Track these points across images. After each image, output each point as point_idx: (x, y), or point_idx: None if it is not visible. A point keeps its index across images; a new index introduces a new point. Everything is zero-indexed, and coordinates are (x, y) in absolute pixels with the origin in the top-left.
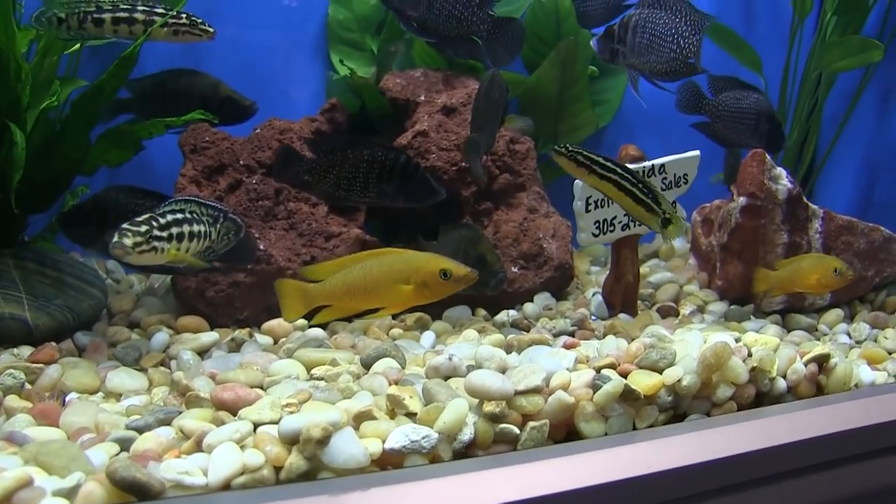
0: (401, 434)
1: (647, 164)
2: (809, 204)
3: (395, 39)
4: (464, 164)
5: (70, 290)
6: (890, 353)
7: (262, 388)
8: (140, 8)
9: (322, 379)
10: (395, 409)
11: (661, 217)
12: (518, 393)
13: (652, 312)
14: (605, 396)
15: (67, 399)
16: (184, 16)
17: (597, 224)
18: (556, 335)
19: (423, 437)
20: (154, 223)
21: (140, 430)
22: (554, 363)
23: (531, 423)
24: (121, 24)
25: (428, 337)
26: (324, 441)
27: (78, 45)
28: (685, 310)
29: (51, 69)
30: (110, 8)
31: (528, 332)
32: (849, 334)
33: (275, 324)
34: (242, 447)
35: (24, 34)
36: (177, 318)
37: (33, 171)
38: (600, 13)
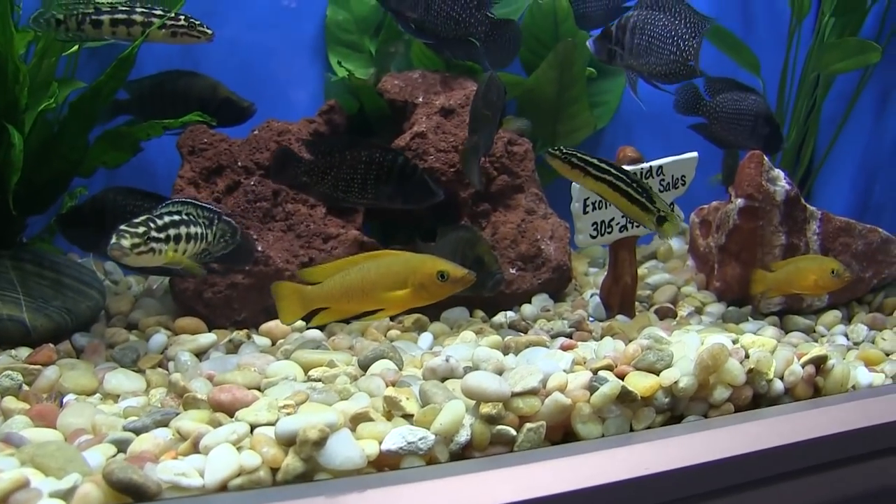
0: (397, 435)
1: (645, 165)
2: (807, 205)
3: (393, 41)
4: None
5: (68, 291)
6: (887, 355)
7: (259, 389)
8: (138, 9)
9: (319, 380)
10: (392, 410)
11: (656, 215)
12: (515, 394)
13: (650, 314)
14: (602, 398)
15: (65, 400)
16: (182, 17)
17: (595, 226)
18: (554, 337)
19: (420, 439)
20: (152, 224)
21: (137, 432)
22: (551, 365)
23: (528, 425)
24: (119, 25)
25: (426, 338)
26: (320, 442)
27: (76, 47)
28: (683, 311)
29: (49, 71)
30: (109, 9)
31: (525, 333)
32: (846, 336)
33: (273, 325)
34: (239, 449)
35: (23, 35)
36: (175, 320)
37: (31, 173)
38: (599, 15)
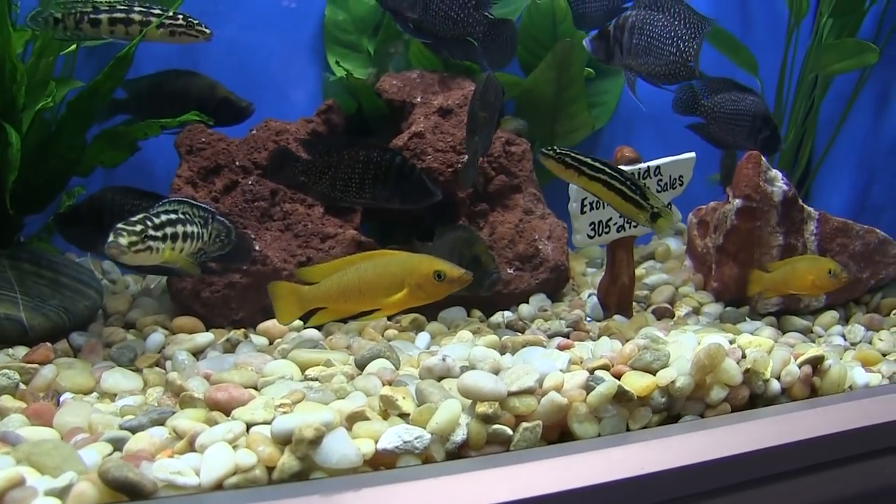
0: (393, 434)
1: (643, 165)
2: (805, 206)
3: (391, 41)
4: (460, 165)
5: (66, 290)
6: (884, 355)
7: (256, 388)
8: (137, 8)
9: (316, 379)
10: (388, 409)
11: (650, 212)
12: (511, 394)
13: (647, 314)
14: (599, 397)
15: (62, 399)
16: (180, 16)
17: (592, 226)
18: (551, 336)
19: (416, 438)
20: (149, 223)
21: (133, 430)
22: (547, 364)
23: (524, 424)
24: (117, 24)
25: (423, 338)
26: (316, 441)
27: (74, 46)
28: (681, 311)
29: (47, 70)
30: (107, 8)
31: (522, 333)
32: (844, 336)
33: (270, 324)
34: (235, 447)
35: (20, 34)
36: (172, 319)
37: (29, 172)
38: (598, 15)
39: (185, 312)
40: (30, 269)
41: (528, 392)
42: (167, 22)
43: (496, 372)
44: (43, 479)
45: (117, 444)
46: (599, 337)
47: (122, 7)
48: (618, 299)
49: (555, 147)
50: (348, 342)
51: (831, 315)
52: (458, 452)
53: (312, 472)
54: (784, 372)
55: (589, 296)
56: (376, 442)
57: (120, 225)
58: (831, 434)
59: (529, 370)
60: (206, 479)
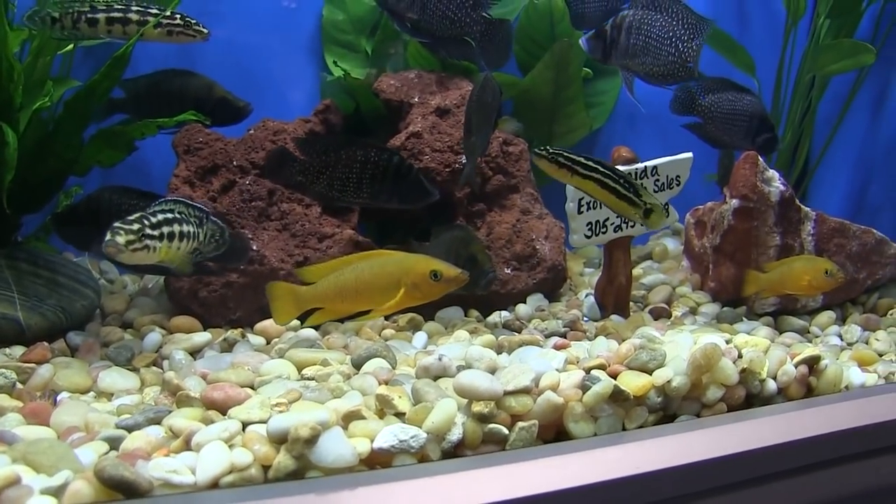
0: (389, 434)
1: (640, 165)
2: (802, 206)
3: (389, 41)
4: (458, 165)
5: (63, 290)
6: (880, 355)
7: (252, 388)
8: (134, 8)
9: (312, 379)
10: (384, 408)
11: (643, 208)
12: (507, 393)
13: (644, 314)
14: (595, 397)
15: (59, 398)
16: (178, 16)
17: (589, 225)
18: (548, 336)
19: (412, 437)
20: (146, 222)
21: (129, 429)
22: (544, 364)
23: (520, 424)
24: (115, 24)
25: (420, 338)
26: (312, 440)
27: (71, 46)
28: (678, 311)
29: (44, 69)
30: (104, 8)
31: (519, 333)
32: (840, 336)
33: (267, 324)
34: (231, 446)
35: (17, 34)
36: (170, 319)
37: (26, 172)
38: (596, 15)
39: (183, 312)
40: (27, 269)
41: (524, 391)
42: (164, 21)
43: (492, 371)
44: (39, 477)
45: (114, 443)
46: (596, 337)
47: (119, 6)
48: (615, 299)
49: (547, 147)
50: (345, 342)
51: (828, 315)
52: (454, 452)
53: (308, 471)
54: (780, 372)
55: (586, 296)
56: (372, 441)
57: (117, 224)
58: (827, 434)
59: (526, 370)
60: (202, 477)
